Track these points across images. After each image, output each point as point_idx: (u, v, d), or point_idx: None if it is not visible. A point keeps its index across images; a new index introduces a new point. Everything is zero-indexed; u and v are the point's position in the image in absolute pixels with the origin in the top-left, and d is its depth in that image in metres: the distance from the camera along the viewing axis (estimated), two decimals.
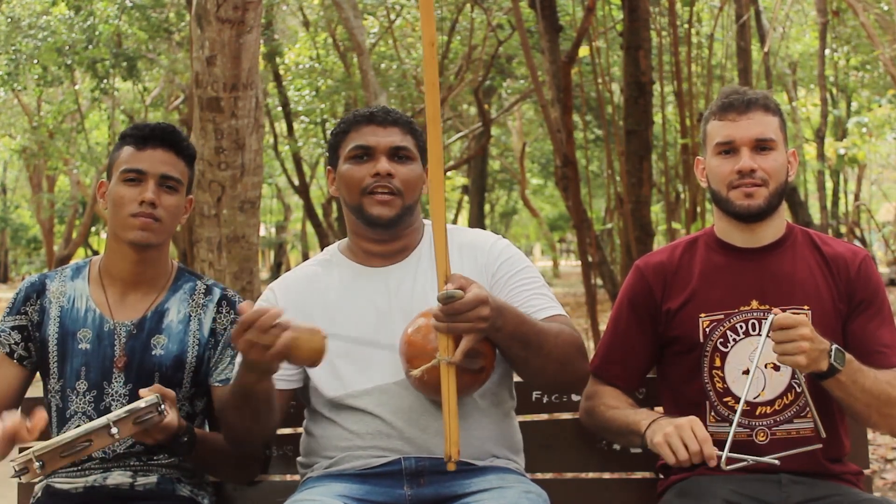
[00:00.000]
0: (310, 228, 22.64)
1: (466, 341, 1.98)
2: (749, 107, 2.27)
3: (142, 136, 2.28)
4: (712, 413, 2.27)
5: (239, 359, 2.09)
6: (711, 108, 2.35)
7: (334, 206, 17.35)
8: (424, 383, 2.06)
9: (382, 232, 2.26)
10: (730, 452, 2.04)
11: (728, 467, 2.03)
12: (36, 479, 1.94)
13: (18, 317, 2.34)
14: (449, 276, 1.98)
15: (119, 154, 2.30)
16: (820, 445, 2.16)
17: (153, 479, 2.27)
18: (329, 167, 2.36)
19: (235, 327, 1.95)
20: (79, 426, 2.04)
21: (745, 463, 2.07)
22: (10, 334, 2.33)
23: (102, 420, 1.93)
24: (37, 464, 1.89)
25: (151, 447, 2.23)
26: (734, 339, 2.26)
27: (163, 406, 2.00)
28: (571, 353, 2.17)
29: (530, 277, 2.28)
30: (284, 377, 2.24)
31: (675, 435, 2.04)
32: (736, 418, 2.08)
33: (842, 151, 10.90)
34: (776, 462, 2.09)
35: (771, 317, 2.05)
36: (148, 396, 1.99)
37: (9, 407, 2.29)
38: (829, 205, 16.65)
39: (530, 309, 2.20)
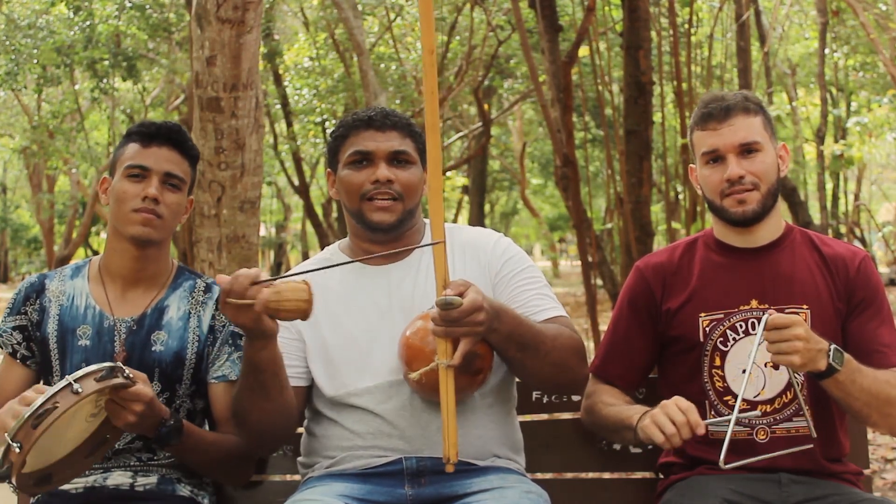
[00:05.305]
0: (310, 228, 22.65)
1: (464, 345, 1.99)
2: (728, 113, 2.25)
3: (148, 133, 2.29)
4: (712, 412, 2.28)
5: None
6: (694, 117, 2.34)
7: (334, 206, 17.34)
8: (423, 385, 2.06)
9: (383, 236, 2.26)
10: (727, 454, 2.03)
11: (727, 466, 2.03)
12: (21, 467, 1.87)
13: (18, 317, 2.34)
14: (447, 282, 1.98)
15: (124, 150, 2.30)
16: (811, 445, 2.15)
17: (153, 479, 2.26)
18: (329, 170, 2.35)
19: (220, 297, 1.98)
20: None
21: (743, 462, 2.07)
22: (11, 335, 2.33)
23: (63, 381, 1.89)
24: (14, 445, 1.82)
25: (148, 442, 2.23)
26: (734, 339, 2.27)
27: (127, 371, 1.96)
28: (569, 357, 2.17)
29: (532, 277, 2.28)
30: (293, 374, 2.23)
31: (659, 413, 2.05)
32: (733, 418, 2.07)
33: (838, 152, 10.87)
34: (773, 456, 2.10)
35: (766, 316, 2.05)
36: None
37: None
38: (828, 205, 16.63)
39: (532, 309, 2.20)
